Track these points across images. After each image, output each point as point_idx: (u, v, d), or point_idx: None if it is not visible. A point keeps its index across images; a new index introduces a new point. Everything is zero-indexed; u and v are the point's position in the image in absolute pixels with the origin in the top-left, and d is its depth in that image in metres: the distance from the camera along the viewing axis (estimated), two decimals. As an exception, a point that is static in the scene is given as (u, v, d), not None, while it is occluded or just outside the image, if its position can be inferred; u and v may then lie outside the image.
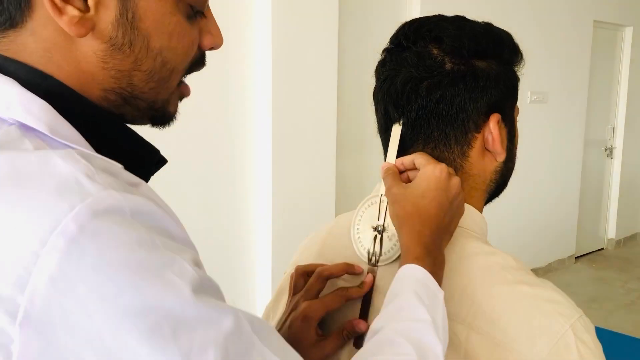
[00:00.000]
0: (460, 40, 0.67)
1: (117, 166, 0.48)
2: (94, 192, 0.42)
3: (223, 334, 0.43)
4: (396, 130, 0.70)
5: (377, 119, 0.75)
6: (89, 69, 0.53)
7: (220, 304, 0.45)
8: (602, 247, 5.53)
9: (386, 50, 0.74)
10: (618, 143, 5.50)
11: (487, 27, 0.71)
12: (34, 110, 0.48)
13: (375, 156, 3.36)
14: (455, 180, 0.67)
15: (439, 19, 0.71)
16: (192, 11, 0.56)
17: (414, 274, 0.61)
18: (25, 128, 0.48)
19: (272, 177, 2.78)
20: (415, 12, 3.38)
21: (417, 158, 0.68)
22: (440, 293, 0.61)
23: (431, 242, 0.64)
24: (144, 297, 0.40)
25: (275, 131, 2.76)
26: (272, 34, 2.67)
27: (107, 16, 0.51)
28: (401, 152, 0.70)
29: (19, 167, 0.43)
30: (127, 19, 0.52)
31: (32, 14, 0.50)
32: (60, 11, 0.49)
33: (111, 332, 0.40)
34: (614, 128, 5.48)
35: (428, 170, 0.66)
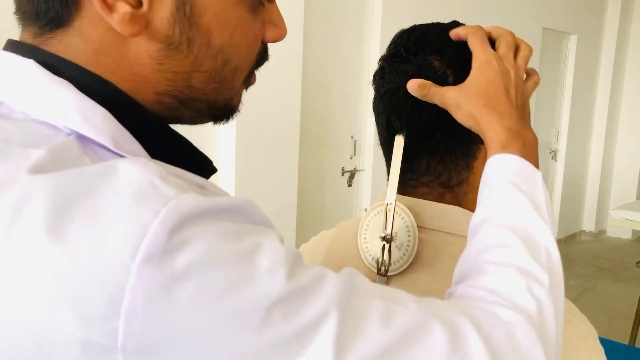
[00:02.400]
0: (463, 52, 0.66)
1: (181, 170, 0.44)
2: (173, 195, 0.38)
3: (331, 300, 0.40)
4: (399, 142, 0.68)
5: (379, 132, 0.73)
6: (142, 72, 0.47)
7: (317, 271, 0.42)
8: (544, 246, 5.74)
9: (384, 60, 0.72)
10: (562, 146, 5.74)
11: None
12: (95, 120, 0.44)
13: (336, 155, 3.43)
14: (508, 64, 0.64)
15: (439, 30, 0.70)
16: (259, 1, 0.51)
17: (504, 163, 0.57)
18: (83, 140, 0.43)
19: (235, 175, 2.77)
20: (377, 15, 3.43)
21: (470, 40, 0.65)
22: (537, 174, 0.57)
23: (514, 124, 0.59)
24: (246, 292, 0.37)
25: (240, 129, 2.75)
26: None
27: (162, 12, 0.46)
28: (405, 164, 0.69)
29: (85, 181, 0.39)
30: (184, 14, 0.46)
31: (80, 12, 0.45)
32: (110, 8, 0.44)
33: (222, 336, 0.37)
34: (558, 132, 5.71)
35: (481, 62, 0.63)
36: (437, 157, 0.68)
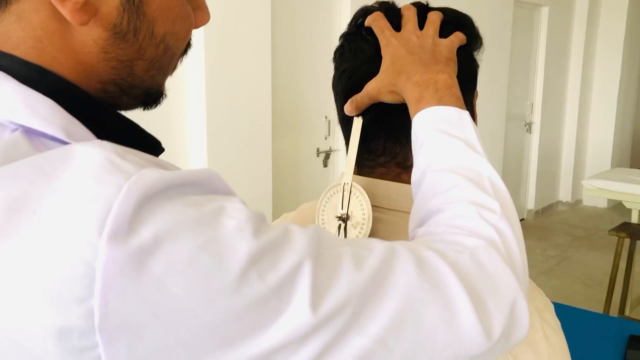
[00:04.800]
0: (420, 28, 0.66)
1: (135, 150, 0.43)
2: (133, 170, 0.38)
3: (302, 251, 0.40)
4: (357, 124, 0.68)
5: (338, 111, 0.73)
6: (87, 60, 0.47)
7: (283, 227, 0.42)
8: (522, 218, 5.83)
9: (343, 37, 0.72)
10: (536, 119, 5.79)
11: (448, 12, 0.70)
12: (43, 111, 0.42)
13: (310, 135, 3.42)
14: (408, 33, 0.66)
15: (398, 8, 0.70)
16: None
17: (425, 117, 0.59)
18: (30, 134, 0.42)
19: (208, 162, 2.74)
20: (346, -9, 3.40)
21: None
22: (461, 113, 0.58)
23: (420, 75, 0.61)
24: (217, 253, 0.37)
25: (210, 115, 2.72)
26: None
27: (112, 0, 0.45)
28: (363, 145, 0.69)
29: (39, 165, 0.38)
30: (133, 3, 0.46)
31: None
32: None
33: (200, 302, 0.36)
34: (532, 104, 5.76)
35: (383, 46, 0.66)
36: (393, 139, 0.69)
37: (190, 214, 0.38)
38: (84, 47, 0.46)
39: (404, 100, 0.63)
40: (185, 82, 2.71)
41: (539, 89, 5.74)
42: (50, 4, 0.43)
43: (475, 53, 0.72)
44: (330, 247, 0.43)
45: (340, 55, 0.71)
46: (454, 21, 0.70)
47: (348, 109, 0.68)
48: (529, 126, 5.76)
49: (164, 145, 0.54)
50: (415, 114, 0.60)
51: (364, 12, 0.71)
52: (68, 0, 0.43)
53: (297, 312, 0.38)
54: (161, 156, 0.54)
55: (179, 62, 0.55)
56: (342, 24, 3.40)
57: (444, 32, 0.67)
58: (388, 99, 0.65)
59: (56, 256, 0.35)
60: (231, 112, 2.82)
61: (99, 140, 0.40)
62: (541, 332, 0.60)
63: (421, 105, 0.59)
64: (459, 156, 0.55)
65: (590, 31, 6.03)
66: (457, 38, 0.67)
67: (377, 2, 0.72)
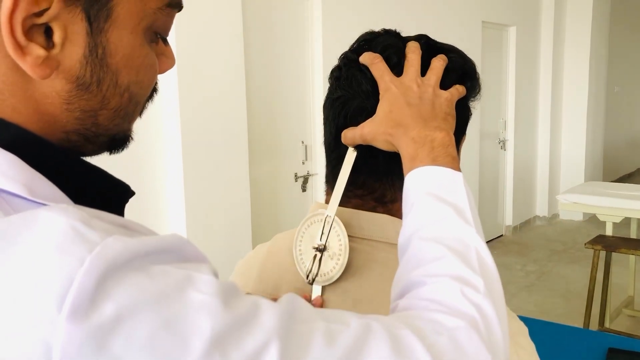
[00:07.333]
0: (423, 73, 0.65)
1: (103, 212, 0.42)
2: (98, 239, 0.36)
3: (270, 330, 0.39)
4: (350, 157, 0.67)
5: (326, 135, 0.72)
6: (49, 111, 0.46)
7: (252, 302, 0.41)
8: (501, 234, 5.88)
9: (342, 59, 0.71)
10: (510, 135, 5.88)
11: (453, 57, 0.69)
12: (4, 168, 0.41)
13: (287, 161, 3.43)
14: (409, 81, 0.64)
15: (403, 41, 0.69)
16: (155, 37, 0.52)
17: (418, 177, 0.58)
18: None
19: (185, 191, 2.73)
20: (317, 16, 3.44)
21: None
22: (454, 175, 0.57)
23: (418, 132, 0.60)
24: (180, 330, 0.36)
25: (186, 144, 2.71)
26: (176, 42, 2.61)
27: (75, 53, 0.45)
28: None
29: (1, 234, 0.36)
30: (96, 56, 0.46)
31: None
32: (22, 51, 0.42)
33: None
34: (505, 122, 5.85)
35: (382, 90, 0.64)
36: (375, 176, 0.69)
37: (154, 288, 0.37)
38: (46, 98, 0.45)
39: (397, 150, 0.62)
40: (159, 111, 2.70)
41: (511, 106, 5.84)
42: (10, 57, 0.43)
43: (470, 100, 0.72)
44: (303, 322, 0.42)
45: (335, 79, 0.70)
46: (458, 70, 0.68)
47: (343, 140, 0.67)
48: (503, 143, 5.85)
49: (139, 181, 0.53)
50: (408, 171, 0.59)
51: (368, 39, 0.69)
52: (28, 55, 0.43)
53: None
54: (133, 199, 0.53)
55: (144, 108, 0.55)
56: (314, 48, 3.44)
57: (446, 81, 0.66)
58: (382, 146, 0.64)
59: (12, 331, 0.34)
60: (206, 139, 2.82)
61: (65, 205, 0.39)
62: (515, 355, 0.60)
63: (415, 163, 0.59)
64: (447, 225, 0.54)
65: (557, 48, 6.18)
66: (457, 91, 0.66)
67: (383, 30, 0.71)
